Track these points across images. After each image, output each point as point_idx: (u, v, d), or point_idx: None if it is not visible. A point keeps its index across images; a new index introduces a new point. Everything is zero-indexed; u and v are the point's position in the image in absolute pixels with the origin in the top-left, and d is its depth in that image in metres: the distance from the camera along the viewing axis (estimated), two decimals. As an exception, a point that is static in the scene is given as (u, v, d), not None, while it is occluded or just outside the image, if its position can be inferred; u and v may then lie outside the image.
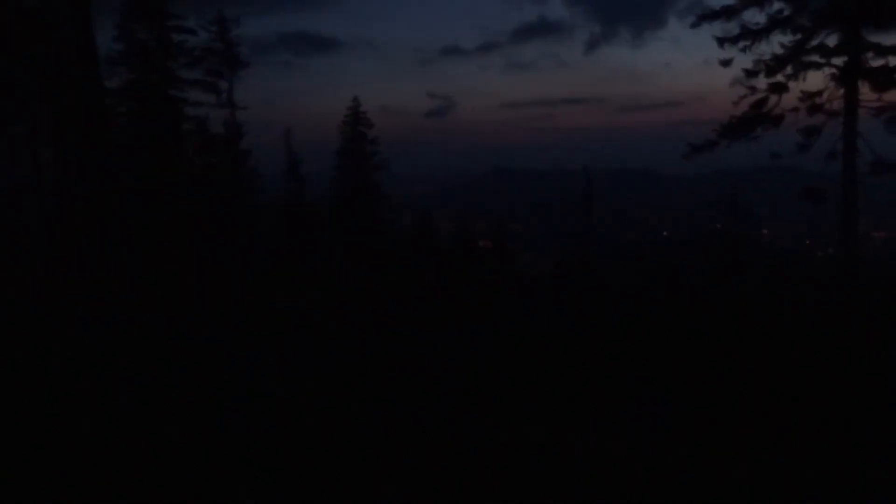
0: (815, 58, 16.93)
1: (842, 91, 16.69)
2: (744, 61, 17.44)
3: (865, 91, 16.38)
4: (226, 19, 26.80)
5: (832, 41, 16.67)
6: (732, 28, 17.48)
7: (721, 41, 17.49)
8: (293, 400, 5.93)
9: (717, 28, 17.56)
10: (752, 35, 17.16)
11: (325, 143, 34.34)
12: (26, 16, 12.02)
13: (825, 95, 16.92)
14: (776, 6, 16.87)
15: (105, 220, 10.39)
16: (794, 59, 17.07)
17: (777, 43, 17.10)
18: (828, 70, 16.82)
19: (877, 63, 16.14)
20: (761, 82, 17.45)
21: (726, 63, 17.56)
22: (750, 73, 17.45)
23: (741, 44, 17.31)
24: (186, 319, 9.02)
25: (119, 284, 9.20)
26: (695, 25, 17.88)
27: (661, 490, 4.15)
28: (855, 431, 4.88)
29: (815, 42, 16.87)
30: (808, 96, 17.10)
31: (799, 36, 16.95)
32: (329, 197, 32.75)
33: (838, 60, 16.66)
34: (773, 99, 17.48)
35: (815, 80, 17.18)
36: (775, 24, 16.95)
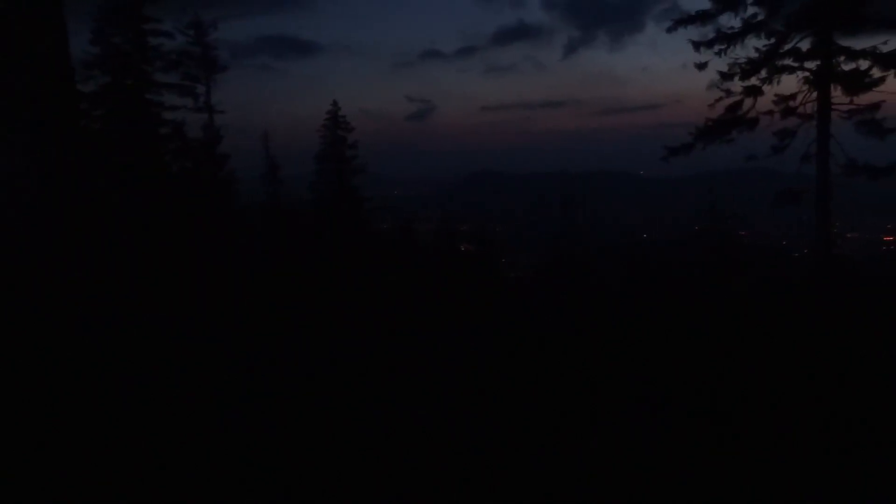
0: (789, 61, 17.25)
1: (815, 94, 17.00)
2: (719, 65, 17.75)
3: (838, 94, 16.70)
4: (202, 23, 26.55)
5: (805, 45, 17.01)
6: (708, 32, 17.79)
7: (697, 45, 17.75)
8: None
9: (693, 32, 17.85)
10: (727, 39, 17.43)
11: (306, 146, 34.20)
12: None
13: (799, 99, 17.24)
14: (750, 11, 17.18)
15: (78, 222, 10.23)
16: (768, 63, 17.37)
17: (751, 47, 17.43)
18: (801, 73, 17.15)
19: (848, 67, 16.44)
20: (736, 85, 17.77)
21: (702, 66, 17.80)
22: (725, 77, 17.74)
23: (716, 47, 17.59)
24: (177, 320, 8.93)
25: (108, 283, 9.11)
26: (671, 30, 18.14)
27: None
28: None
29: (788, 46, 17.18)
30: (782, 99, 17.41)
31: (773, 40, 17.25)
32: (310, 200, 32.62)
33: (811, 64, 16.98)
34: (748, 102, 17.78)
35: (789, 83, 17.51)
36: (749, 28, 17.23)
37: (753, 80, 17.61)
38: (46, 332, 6.91)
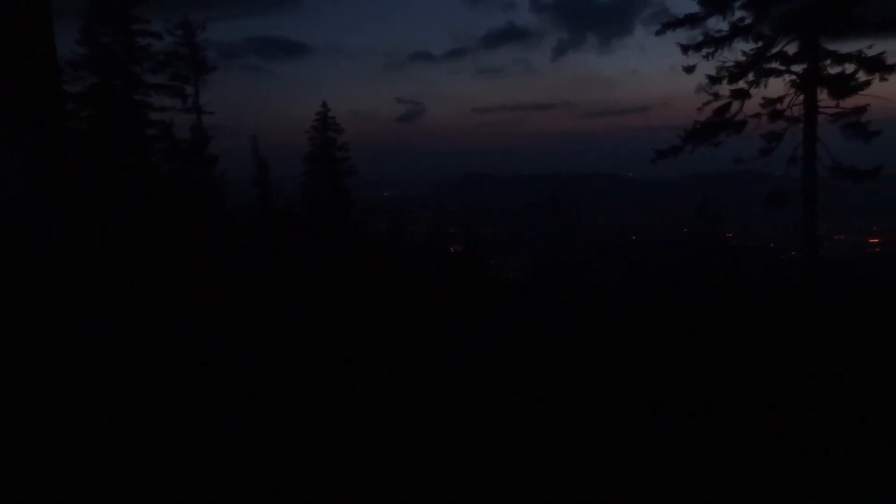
0: (776, 65, 17.45)
1: (801, 97, 17.20)
2: (707, 68, 17.92)
3: (824, 97, 16.91)
4: (191, 23, 26.45)
5: (792, 49, 17.23)
6: (696, 35, 17.96)
7: (685, 48, 17.91)
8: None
9: (682, 35, 18.01)
10: (715, 42, 17.61)
11: (297, 148, 34.15)
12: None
13: (786, 102, 17.43)
14: (738, 14, 17.36)
15: (73, 223, 10.15)
16: (756, 67, 17.56)
17: (739, 50, 17.62)
18: (788, 77, 17.35)
19: (834, 70, 16.66)
20: (724, 89, 17.96)
21: (690, 70, 17.96)
22: (713, 80, 17.92)
23: (704, 51, 17.77)
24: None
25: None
26: (660, 33, 18.29)
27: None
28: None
29: (775, 50, 17.38)
30: (769, 102, 17.60)
31: (760, 44, 17.44)
32: (300, 202, 32.53)
33: (798, 68, 17.19)
34: (736, 105, 17.97)
35: (776, 86, 17.71)
36: (737, 31, 17.41)
37: (741, 84, 17.83)
38: (45, 332, 6.86)
